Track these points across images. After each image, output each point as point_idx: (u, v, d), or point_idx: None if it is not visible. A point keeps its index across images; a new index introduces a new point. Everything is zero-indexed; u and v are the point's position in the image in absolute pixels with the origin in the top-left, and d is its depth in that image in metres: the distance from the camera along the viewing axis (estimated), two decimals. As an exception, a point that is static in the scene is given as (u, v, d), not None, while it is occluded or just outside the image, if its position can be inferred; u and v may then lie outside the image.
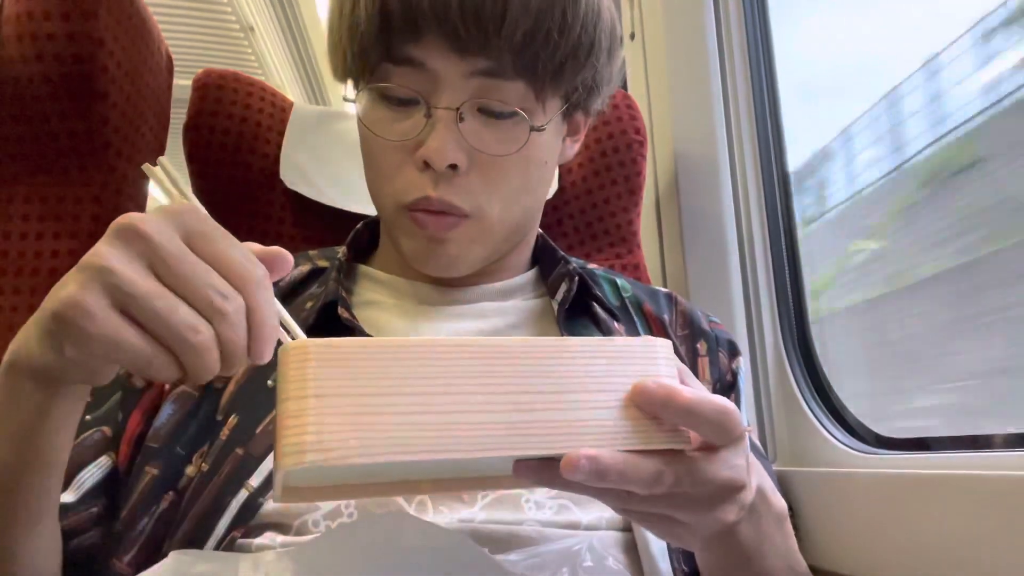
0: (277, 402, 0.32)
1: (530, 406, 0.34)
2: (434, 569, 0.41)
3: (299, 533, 0.51)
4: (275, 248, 0.38)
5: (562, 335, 0.63)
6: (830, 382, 0.89)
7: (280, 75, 2.81)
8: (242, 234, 0.57)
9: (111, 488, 0.56)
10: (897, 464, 0.73)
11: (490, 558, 0.43)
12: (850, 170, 1.00)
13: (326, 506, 0.52)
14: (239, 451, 0.54)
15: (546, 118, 0.59)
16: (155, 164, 0.40)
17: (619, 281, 0.74)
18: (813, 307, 0.95)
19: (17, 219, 0.80)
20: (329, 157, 0.93)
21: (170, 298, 0.34)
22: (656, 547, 0.55)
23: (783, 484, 0.74)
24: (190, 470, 0.55)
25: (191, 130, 0.89)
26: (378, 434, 0.32)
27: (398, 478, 0.39)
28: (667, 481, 0.36)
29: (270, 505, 0.52)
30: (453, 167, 0.57)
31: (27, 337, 0.38)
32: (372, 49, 0.56)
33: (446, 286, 0.66)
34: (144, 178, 0.89)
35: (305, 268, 0.69)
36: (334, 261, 0.68)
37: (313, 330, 0.60)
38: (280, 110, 0.94)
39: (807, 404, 0.88)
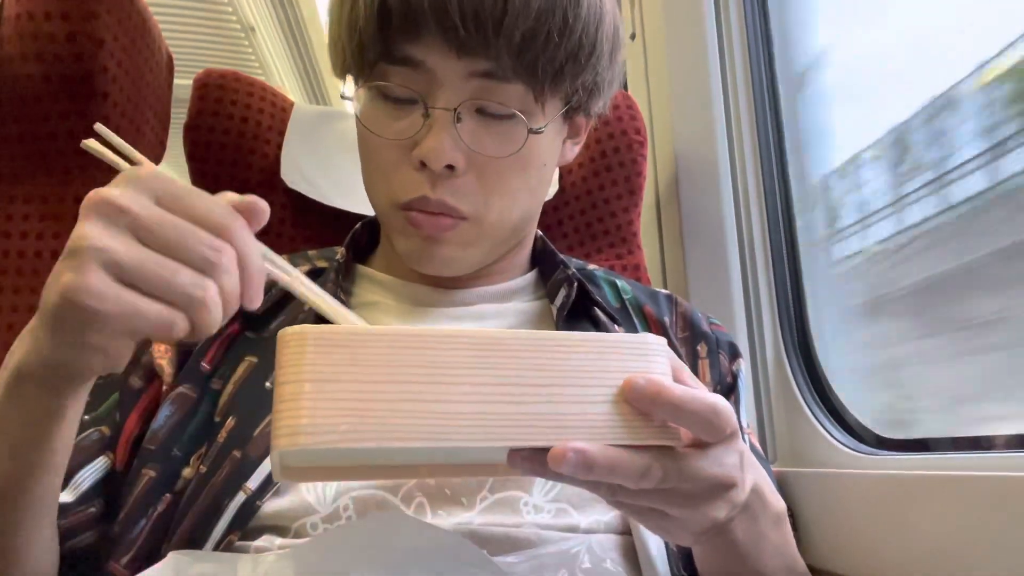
0: (274, 385, 0.33)
1: (522, 398, 0.35)
2: (432, 570, 0.41)
3: (297, 535, 0.51)
4: (249, 197, 0.39)
5: None
6: (830, 383, 0.88)
7: (281, 75, 2.81)
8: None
9: (108, 488, 0.56)
10: (897, 465, 0.73)
11: (488, 559, 0.43)
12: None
13: (324, 509, 0.52)
14: (237, 453, 0.54)
15: (545, 120, 0.59)
16: (107, 145, 0.41)
17: (619, 283, 0.74)
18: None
19: (17, 219, 0.80)
20: (329, 157, 0.93)
21: (168, 262, 0.35)
22: (655, 551, 0.54)
23: (783, 485, 0.74)
24: (187, 472, 0.55)
25: (191, 130, 0.89)
26: (371, 420, 0.33)
27: (394, 462, 0.40)
28: (655, 476, 0.36)
29: (268, 507, 0.52)
30: (450, 168, 0.56)
31: (34, 341, 0.39)
32: (371, 47, 0.56)
33: (445, 288, 0.66)
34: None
35: (304, 268, 0.69)
36: (333, 262, 0.68)
37: None
38: (281, 110, 0.94)
39: (807, 405, 0.88)
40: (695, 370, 0.69)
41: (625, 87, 1.16)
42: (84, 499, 0.55)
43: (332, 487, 0.53)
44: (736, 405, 0.69)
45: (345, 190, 0.91)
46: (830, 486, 0.71)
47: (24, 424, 0.41)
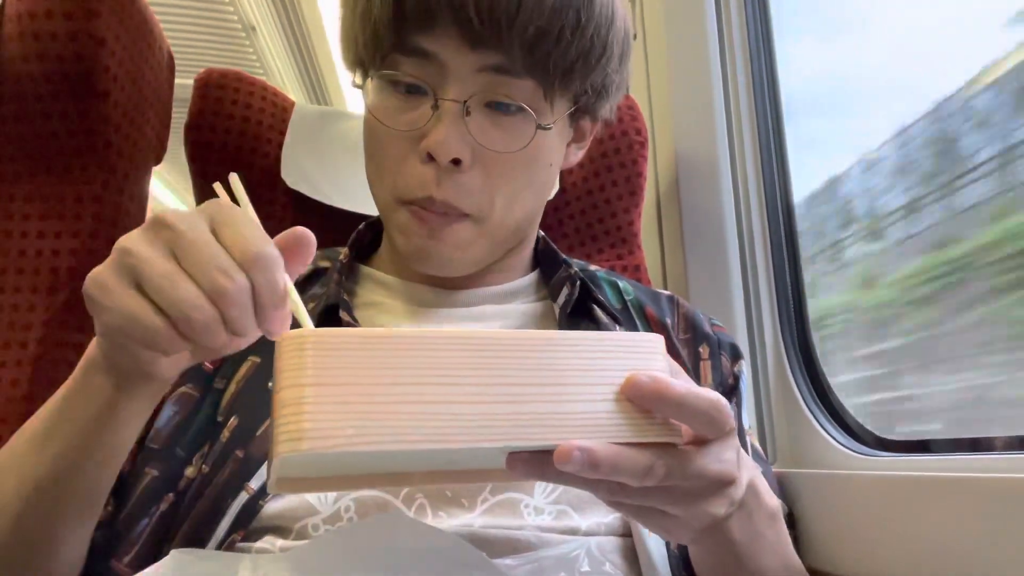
0: (274, 391, 0.33)
1: (524, 398, 0.35)
2: (432, 572, 0.41)
3: (299, 537, 0.51)
4: (295, 230, 0.39)
5: None
6: (830, 383, 0.89)
7: (282, 75, 2.81)
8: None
9: (118, 488, 0.56)
10: (897, 466, 0.73)
11: (488, 561, 0.43)
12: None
13: (326, 510, 0.52)
14: (239, 453, 0.54)
15: (553, 118, 0.59)
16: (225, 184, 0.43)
17: (621, 283, 0.74)
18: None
19: (18, 218, 0.80)
20: (331, 157, 0.93)
21: (176, 276, 0.35)
22: (656, 553, 0.54)
23: (783, 486, 0.74)
24: (190, 471, 0.55)
25: (192, 129, 0.89)
26: (373, 423, 0.32)
27: (391, 470, 0.40)
28: (658, 473, 0.36)
29: (270, 508, 0.52)
30: (456, 162, 0.56)
31: None
32: (384, 37, 0.56)
33: (447, 288, 0.66)
34: (146, 176, 0.89)
35: (307, 269, 0.69)
36: (336, 262, 0.68)
37: None
38: (282, 110, 0.94)
39: (807, 406, 0.88)
40: (697, 371, 0.69)
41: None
42: None
43: None
44: (738, 407, 0.69)
45: (346, 190, 0.91)
46: (830, 487, 0.71)
47: (87, 411, 0.43)
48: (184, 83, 0.93)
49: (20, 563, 0.47)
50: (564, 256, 0.71)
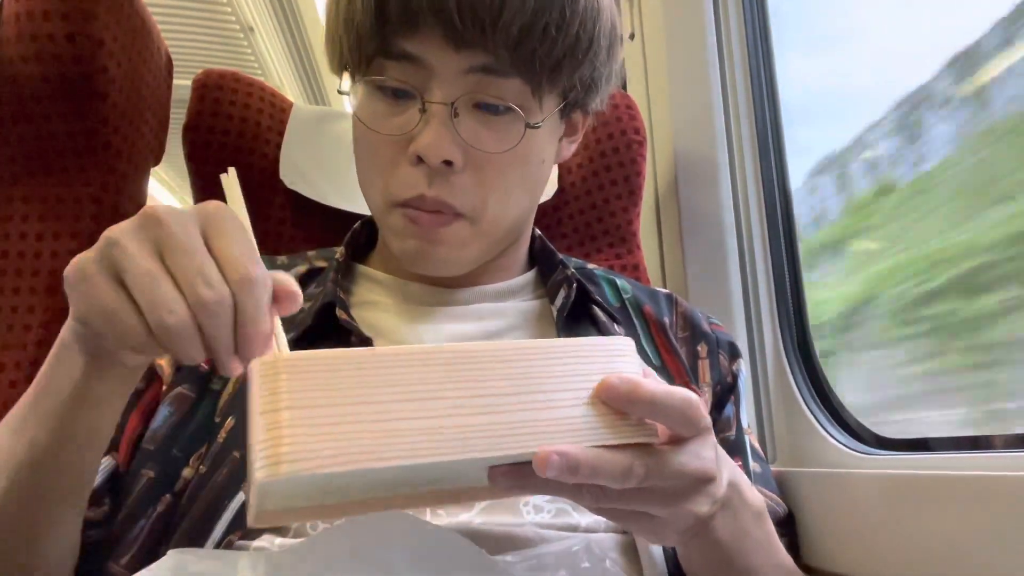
0: (249, 418, 0.32)
1: (499, 408, 0.35)
2: (431, 569, 0.41)
3: (297, 535, 0.51)
4: (289, 284, 0.38)
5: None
6: (829, 383, 0.88)
7: (280, 75, 2.81)
8: (241, 234, 0.57)
9: (115, 488, 0.56)
10: (897, 464, 0.73)
11: (487, 558, 0.43)
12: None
13: None
14: (236, 454, 0.54)
15: (542, 116, 0.59)
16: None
17: (619, 282, 0.74)
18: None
19: (17, 219, 0.80)
20: (329, 157, 0.93)
21: (157, 275, 0.35)
22: (655, 549, 0.54)
23: (782, 485, 0.74)
24: (187, 472, 0.55)
25: (191, 130, 0.89)
26: (351, 443, 0.32)
27: (372, 496, 0.40)
28: (638, 474, 0.37)
29: (268, 507, 0.52)
30: (448, 164, 0.56)
31: None
32: (368, 42, 0.56)
33: (444, 287, 0.66)
34: (144, 177, 0.89)
35: (303, 268, 0.69)
36: (332, 261, 0.68)
37: (311, 331, 0.59)
38: (280, 110, 0.94)
39: (806, 405, 0.88)
40: (695, 370, 0.69)
41: (624, 87, 1.16)
42: (95, 499, 0.55)
43: None
44: (736, 405, 0.69)
45: (344, 190, 0.91)
46: (830, 486, 0.71)
47: (60, 394, 0.43)
48: (182, 84, 0.93)
49: (2, 553, 0.47)
50: (561, 256, 0.71)
